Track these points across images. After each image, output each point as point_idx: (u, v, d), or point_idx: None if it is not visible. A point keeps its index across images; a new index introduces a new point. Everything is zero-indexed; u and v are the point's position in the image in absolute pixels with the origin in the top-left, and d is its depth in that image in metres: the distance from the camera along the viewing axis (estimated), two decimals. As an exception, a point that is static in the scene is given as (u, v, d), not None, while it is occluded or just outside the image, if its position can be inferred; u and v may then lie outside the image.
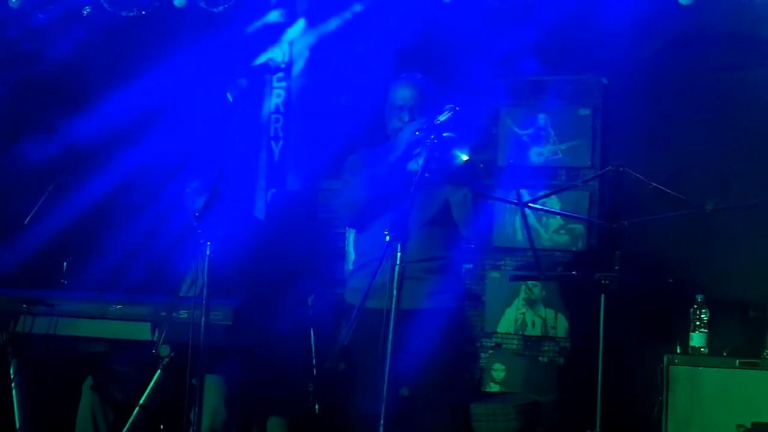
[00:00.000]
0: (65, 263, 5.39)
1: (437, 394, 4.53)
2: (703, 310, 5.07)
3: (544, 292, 6.03)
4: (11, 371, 4.78)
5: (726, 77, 5.66)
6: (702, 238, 5.43)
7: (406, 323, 4.09)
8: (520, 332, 6.08)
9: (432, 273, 4.53)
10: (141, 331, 4.56)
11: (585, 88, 6.04)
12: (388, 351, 3.71)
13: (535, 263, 4.79)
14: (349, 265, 6.32)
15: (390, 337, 3.72)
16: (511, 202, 4.48)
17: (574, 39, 5.93)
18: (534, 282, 6.01)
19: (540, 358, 6.04)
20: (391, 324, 3.71)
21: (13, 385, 4.77)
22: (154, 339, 4.48)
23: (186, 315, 4.33)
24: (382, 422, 3.69)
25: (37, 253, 5.62)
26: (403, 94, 4.64)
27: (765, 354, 5.06)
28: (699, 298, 5.10)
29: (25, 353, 4.76)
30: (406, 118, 4.57)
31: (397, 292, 3.75)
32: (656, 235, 5.47)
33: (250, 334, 4.70)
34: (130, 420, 4.52)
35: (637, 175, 4.47)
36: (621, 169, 4.47)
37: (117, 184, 6.01)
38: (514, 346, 6.11)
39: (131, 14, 5.87)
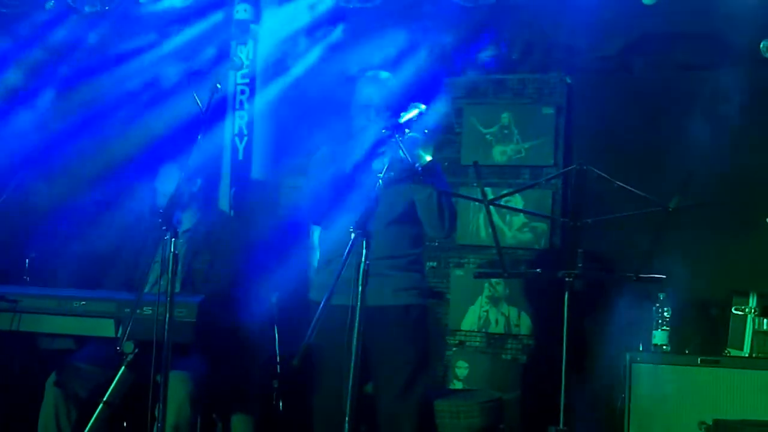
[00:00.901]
0: (27, 260, 5.35)
1: (401, 391, 4.54)
2: (666, 308, 5.11)
3: (507, 290, 6.05)
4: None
5: (689, 77, 5.71)
6: (665, 236, 5.46)
7: (371, 320, 4.10)
8: (484, 330, 6.10)
9: (397, 270, 4.55)
10: (105, 328, 4.52)
11: (549, 87, 6.07)
12: (353, 347, 3.71)
13: (500, 261, 4.80)
14: (314, 263, 6.33)
15: (355, 333, 3.72)
16: (476, 200, 4.50)
17: (538, 38, 5.96)
18: (497, 280, 6.03)
19: (503, 356, 6.07)
20: (357, 320, 3.72)
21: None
22: (118, 336, 4.45)
23: (150, 312, 4.31)
24: (347, 419, 3.69)
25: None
26: (368, 91, 4.66)
27: (726, 352, 5.12)
28: (661, 296, 5.14)
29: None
30: (372, 116, 4.58)
31: (362, 289, 3.75)
32: (619, 234, 5.50)
33: (214, 331, 4.69)
34: (94, 417, 4.49)
35: (601, 173, 4.49)
36: (584, 167, 4.49)
37: (81, 179, 5.97)
38: (478, 344, 6.13)
39: (95, 9, 5.82)
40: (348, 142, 4.70)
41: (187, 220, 5.06)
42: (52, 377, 4.77)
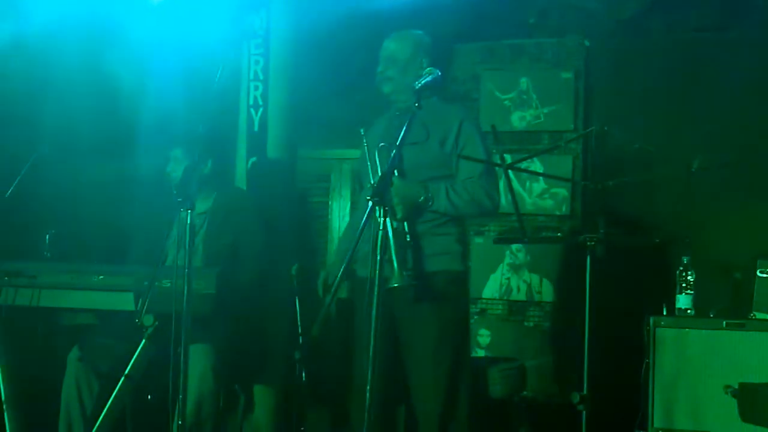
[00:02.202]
0: (48, 236, 5.35)
1: (429, 362, 4.37)
2: (690, 272, 5.06)
3: (528, 257, 6.02)
4: (-5, 344, 4.75)
5: (708, 38, 5.64)
6: (688, 198, 5.42)
7: (395, 290, 4.04)
8: (506, 297, 6.08)
9: (424, 234, 4.36)
10: (124, 301, 4.53)
11: (567, 51, 6.02)
12: (373, 318, 3.67)
13: (520, 227, 4.75)
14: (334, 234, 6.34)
15: (374, 303, 3.68)
16: (494, 164, 4.41)
17: (555, 1, 5.90)
18: (518, 247, 6.00)
19: (525, 323, 6.04)
20: (376, 289, 3.67)
21: (-3, 357, 4.75)
22: (138, 309, 4.44)
23: (169, 284, 4.30)
24: (368, 388, 3.66)
25: (20, 225, 5.57)
26: (386, 45, 4.57)
27: (752, 315, 5.06)
28: (685, 259, 5.08)
29: (8, 325, 4.72)
30: (384, 71, 4.51)
31: (380, 258, 3.70)
32: (641, 197, 5.46)
33: (236, 302, 4.68)
34: (116, 390, 4.49)
35: (621, 135, 4.44)
36: (605, 128, 4.44)
37: (98, 155, 5.96)
38: (500, 312, 6.11)
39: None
40: (387, 113, 4.62)
41: (203, 202, 5.04)
42: (74, 351, 4.78)
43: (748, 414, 4.50)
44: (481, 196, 4.39)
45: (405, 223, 4.25)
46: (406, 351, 4.37)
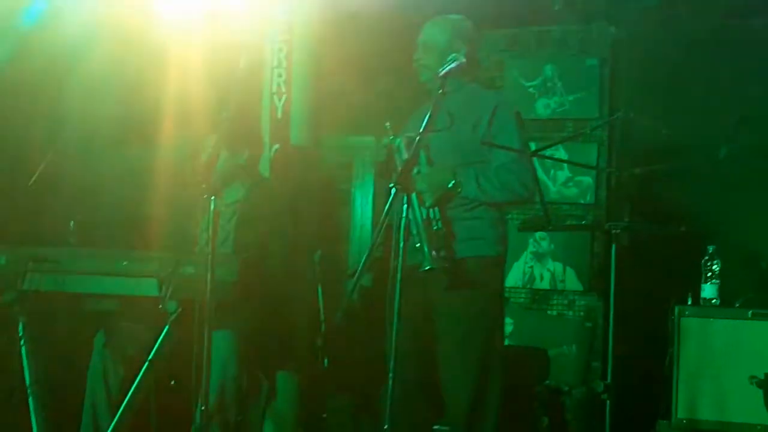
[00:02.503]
0: (72, 222, 5.37)
1: (458, 351, 4.24)
2: (715, 261, 5.03)
3: (552, 246, 6.00)
4: (20, 329, 4.76)
5: (734, 25, 5.60)
6: (714, 187, 5.38)
7: (428, 276, 4.02)
8: (529, 286, 6.06)
9: (455, 220, 4.26)
10: (148, 287, 4.53)
11: (592, 37, 5.98)
12: (395, 305, 3.66)
13: (544, 215, 4.73)
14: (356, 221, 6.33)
15: (397, 291, 3.67)
16: (518, 150, 4.36)
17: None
18: (542, 235, 5.98)
19: (549, 312, 6.03)
20: (398, 275, 3.67)
21: (22, 342, 4.76)
22: (161, 295, 4.45)
23: (192, 271, 4.31)
24: (391, 375, 3.65)
25: (44, 212, 5.59)
26: (425, 31, 4.51)
27: (777, 305, 5.04)
28: (710, 248, 5.05)
29: (33, 311, 4.74)
30: (420, 58, 4.46)
31: (404, 245, 3.69)
32: (667, 185, 5.42)
33: (258, 289, 4.68)
34: (140, 376, 4.51)
35: (647, 122, 4.40)
36: (630, 115, 4.40)
37: (122, 141, 5.97)
38: (522, 300, 6.09)
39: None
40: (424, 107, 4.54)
41: (236, 191, 5.04)
42: (100, 337, 4.81)
43: (773, 404, 4.49)
44: (513, 182, 4.25)
45: (436, 210, 4.21)
46: (438, 336, 4.30)
